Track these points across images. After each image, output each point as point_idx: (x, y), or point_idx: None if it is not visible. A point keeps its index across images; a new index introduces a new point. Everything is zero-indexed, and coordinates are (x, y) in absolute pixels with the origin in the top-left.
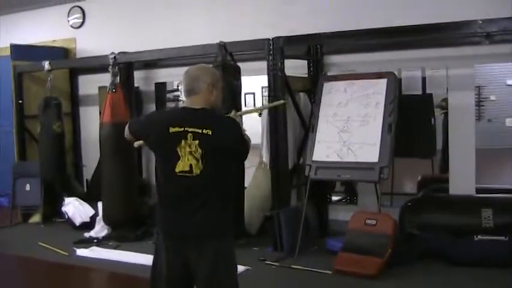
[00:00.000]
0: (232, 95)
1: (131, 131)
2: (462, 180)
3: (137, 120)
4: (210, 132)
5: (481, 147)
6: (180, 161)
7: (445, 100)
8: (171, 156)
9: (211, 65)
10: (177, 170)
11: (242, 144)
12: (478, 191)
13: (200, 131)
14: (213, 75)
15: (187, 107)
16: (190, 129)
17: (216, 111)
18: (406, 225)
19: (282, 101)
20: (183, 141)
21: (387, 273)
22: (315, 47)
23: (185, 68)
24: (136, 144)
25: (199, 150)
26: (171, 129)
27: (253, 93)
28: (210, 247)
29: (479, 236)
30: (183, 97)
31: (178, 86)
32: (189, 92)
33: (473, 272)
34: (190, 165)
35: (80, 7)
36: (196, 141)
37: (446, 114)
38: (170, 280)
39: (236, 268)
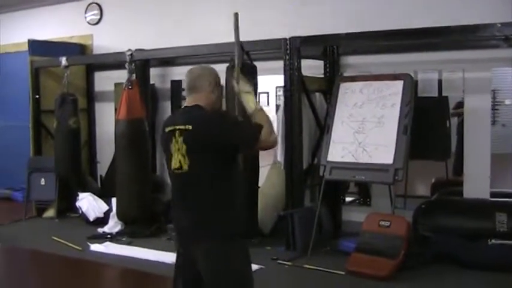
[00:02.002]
0: None
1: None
2: (476, 184)
3: None
4: (190, 127)
5: (495, 152)
6: (172, 159)
7: (459, 104)
8: (168, 155)
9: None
10: (172, 167)
11: (233, 135)
12: (493, 195)
13: (184, 127)
14: (216, 76)
15: (185, 106)
16: (177, 127)
17: (205, 109)
18: (420, 228)
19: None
20: (173, 139)
21: (400, 275)
22: (332, 48)
23: None
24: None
25: (184, 146)
26: (166, 129)
27: (267, 93)
28: (203, 247)
29: (493, 240)
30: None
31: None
32: (191, 90)
33: (486, 276)
34: (180, 162)
35: (97, 4)
36: (181, 138)
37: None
38: (183, 276)
39: (239, 272)
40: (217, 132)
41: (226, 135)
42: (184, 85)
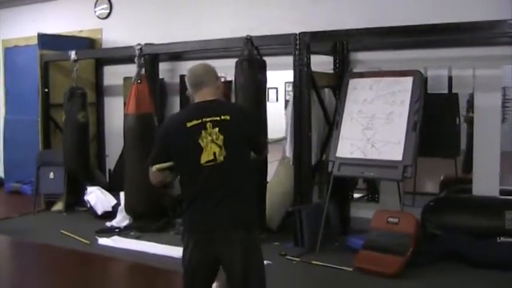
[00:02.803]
0: (257, 89)
1: (155, 163)
2: (486, 181)
3: (153, 149)
4: (228, 118)
5: (505, 150)
6: (204, 152)
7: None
8: (194, 150)
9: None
10: (202, 161)
11: (261, 135)
12: (502, 192)
13: (218, 118)
14: (216, 73)
15: (200, 100)
16: (208, 119)
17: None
18: (428, 225)
19: None
20: (203, 132)
21: (408, 273)
22: (341, 44)
23: (210, 61)
24: (161, 177)
25: (221, 137)
26: (188, 124)
27: (276, 88)
28: (238, 239)
29: (501, 238)
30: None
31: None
32: (200, 85)
33: (495, 274)
34: (214, 154)
35: None
36: (216, 129)
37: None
38: (195, 275)
39: (263, 259)
40: (254, 124)
41: (259, 130)
42: (189, 82)
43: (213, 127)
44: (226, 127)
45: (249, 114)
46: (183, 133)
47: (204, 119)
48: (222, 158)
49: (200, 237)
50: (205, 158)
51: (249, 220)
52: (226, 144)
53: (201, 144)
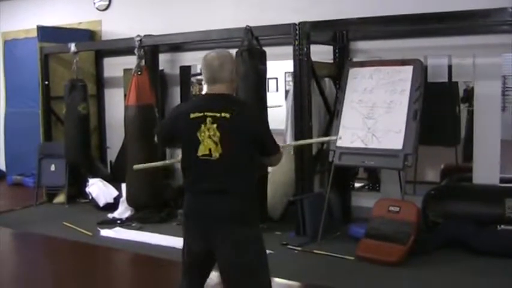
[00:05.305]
0: (258, 79)
1: (161, 138)
2: (486, 170)
3: (161, 124)
4: (227, 116)
5: (505, 139)
6: (201, 145)
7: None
8: (193, 141)
9: (229, 50)
10: (199, 153)
11: (266, 133)
12: (502, 180)
13: (218, 114)
14: (233, 62)
15: (209, 93)
16: (209, 114)
17: (236, 97)
18: (429, 214)
19: (334, 137)
20: (202, 126)
21: (409, 261)
22: (341, 33)
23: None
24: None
25: (217, 134)
26: (192, 115)
27: (276, 78)
28: (228, 233)
29: (502, 226)
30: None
31: (201, 71)
32: (213, 81)
33: (496, 261)
34: (210, 149)
35: None
36: (215, 125)
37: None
38: (190, 263)
39: (263, 254)
40: (258, 126)
41: (263, 132)
42: (203, 71)
43: (212, 123)
44: (224, 125)
45: (253, 115)
46: (186, 123)
47: (205, 113)
48: (217, 155)
49: (192, 224)
50: (201, 151)
51: (239, 215)
52: (222, 141)
53: (199, 137)
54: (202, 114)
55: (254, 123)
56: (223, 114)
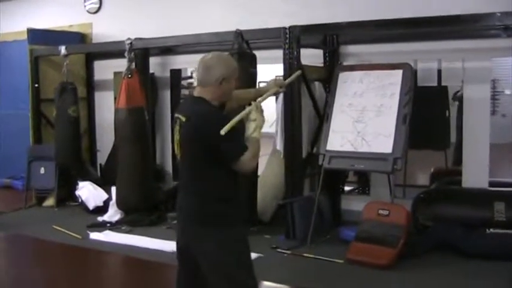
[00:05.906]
0: (248, 83)
1: None
2: (475, 174)
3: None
4: (184, 120)
5: (494, 142)
6: (175, 145)
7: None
8: (174, 140)
9: (227, 53)
10: (176, 152)
11: (217, 141)
12: (491, 184)
13: (182, 118)
14: (228, 67)
15: (191, 95)
16: (179, 116)
17: (206, 103)
18: (419, 217)
19: (298, 72)
20: (175, 127)
21: (399, 264)
22: (331, 37)
23: (201, 55)
24: None
25: (177, 137)
26: (175, 115)
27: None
28: (193, 231)
29: (491, 229)
30: (196, 84)
31: (192, 74)
32: (198, 83)
33: (485, 264)
34: (176, 150)
35: None
36: (178, 127)
37: (460, 107)
38: (178, 259)
39: (234, 255)
40: (207, 132)
41: (215, 138)
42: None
43: (179, 125)
44: (182, 128)
45: (206, 120)
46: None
47: (177, 115)
48: (179, 156)
49: (177, 219)
50: (176, 150)
51: (200, 215)
52: (180, 144)
53: (175, 137)
54: (177, 115)
55: (200, 132)
56: (182, 118)
